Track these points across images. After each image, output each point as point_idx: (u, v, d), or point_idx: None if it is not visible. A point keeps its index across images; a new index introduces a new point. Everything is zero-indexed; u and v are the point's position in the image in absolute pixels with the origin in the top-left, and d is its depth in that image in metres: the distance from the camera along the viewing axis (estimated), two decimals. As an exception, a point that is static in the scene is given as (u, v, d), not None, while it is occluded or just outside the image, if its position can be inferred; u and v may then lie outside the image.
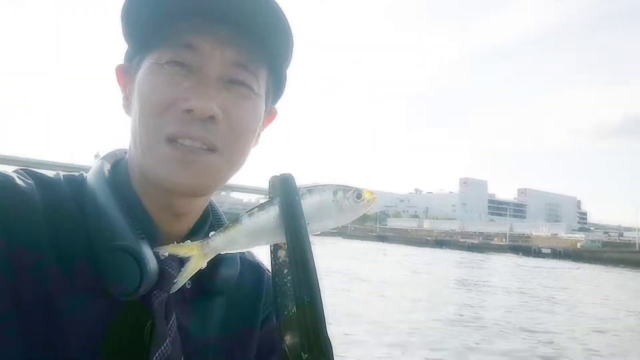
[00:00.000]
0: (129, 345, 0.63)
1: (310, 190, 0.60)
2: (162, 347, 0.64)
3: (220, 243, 0.59)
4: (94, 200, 0.67)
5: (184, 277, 0.59)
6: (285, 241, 0.59)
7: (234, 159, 0.71)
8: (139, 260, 0.61)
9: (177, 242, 0.67)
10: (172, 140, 0.64)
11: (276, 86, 0.78)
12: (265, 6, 0.65)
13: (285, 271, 0.62)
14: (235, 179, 0.78)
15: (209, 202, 0.81)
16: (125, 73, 0.74)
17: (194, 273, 0.59)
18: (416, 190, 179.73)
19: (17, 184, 0.62)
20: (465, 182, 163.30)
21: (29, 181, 0.65)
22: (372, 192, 0.62)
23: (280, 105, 0.85)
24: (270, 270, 0.62)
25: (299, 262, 0.57)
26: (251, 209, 0.59)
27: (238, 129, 0.68)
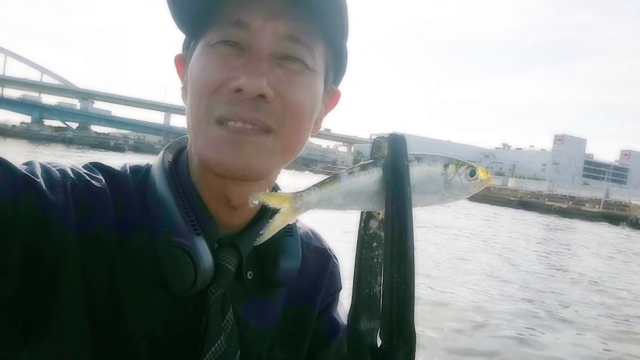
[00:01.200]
0: (185, 340, 0.65)
1: (419, 158, 0.52)
2: (216, 344, 0.65)
3: (313, 198, 0.53)
4: (154, 194, 0.67)
5: (270, 231, 0.55)
6: (381, 210, 0.52)
7: (289, 141, 0.66)
8: (193, 258, 0.61)
9: (234, 234, 0.69)
10: (222, 122, 0.62)
11: (336, 63, 0.72)
12: None
13: (375, 244, 0.55)
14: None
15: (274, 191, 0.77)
16: (183, 62, 0.71)
17: (281, 228, 0.55)
18: (504, 145, 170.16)
19: (90, 183, 0.64)
20: (560, 139, 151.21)
21: (98, 177, 0.66)
22: (487, 172, 0.53)
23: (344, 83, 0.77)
24: (357, 240, 0.56)
25: (396, 236, 0.49)
26: (352, 167, 0.53)
27: (292, 107, 0.63)
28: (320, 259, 0.85)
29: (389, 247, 0.50)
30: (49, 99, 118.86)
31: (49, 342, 0.60)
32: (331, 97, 0.75)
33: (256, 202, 0.53)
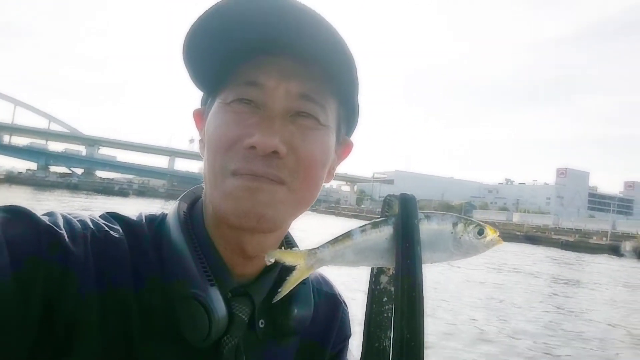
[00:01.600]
0: None
1: (428, 216, 0.54)
2: None
3: (327, 255, 0.55)
4: (169, 244, 0.69)
5: (287, 287, 0.57)
6: (391, 266, 0.54)
7: (302, 193, 0.68)
8: (208, 309, 0.63)
9: (247, 283, 0.71)
10: (236, 175, 0.64)
11: (348, 116, 0.75)
12: (327, 36, 0.62)
13: (385, 299, 0.56)
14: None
15: (287, 239, 0.80)
16: (201, 116, 0.75)
17: (297, 283, 0.57)
18: (507, 180, 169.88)
19: (108, 233, 0.66)
20: (562, 173, 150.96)
21: (116, 227, 0.68)
22: (496, 231, 0.55)
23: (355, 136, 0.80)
24: (367, 295, 0.57)
25: (406, 292, 0.51)
26: (364, 225, 0.55)
27: (305, 161, 0.66)
28: (330, 305, 0.85)
29: (399, 302, 0.51)
30: (55, 146, 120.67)
31: None
32: (344, 147, 0.78)
33: (272, 260, 0.56)
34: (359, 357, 0.57)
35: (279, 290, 0.57)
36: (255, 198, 0.64)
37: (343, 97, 0.71)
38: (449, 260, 0.56)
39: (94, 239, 0.64)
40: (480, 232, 0.54)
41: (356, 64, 0.66)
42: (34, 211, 0.61)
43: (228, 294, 0.67)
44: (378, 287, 0.56)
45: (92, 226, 0.65)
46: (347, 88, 0.70)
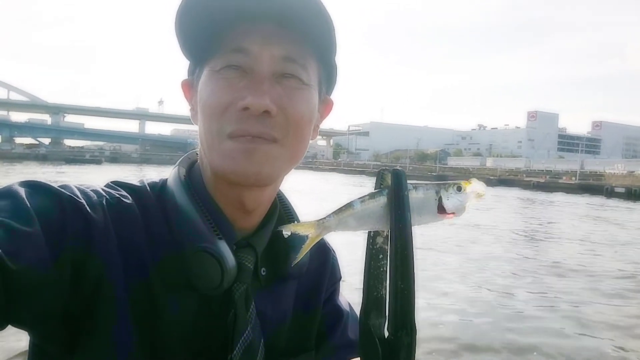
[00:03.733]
0: (216, 333, 0.73)
1: (416, 187, 0.63)
2: (245, 334, 0.73)
3: (332, 223, 0.64)
4: (174, 205, 0.75)
5: (302, 252, 0.66)
6: (386, 229, 0.63)
7: (293, 149, 0.75)
8: (220, 260, 0.70)
9: (249, 235, 0.79)
10: (233, 136, 0.70)
11: (328, 76, 0.82)
12: (305, 1, 0.68)
13: (381, 256, 0.66)
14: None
15: (278, 195, 0.87)
16: (189, 86, 0.80)
17: (308, 249, 0.66)
18: (479, 126, 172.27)
19: (120, 200, 0.72)
20: (533, 116, 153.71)
21: (124, 193, 0.74)
22: (469, 182, 0.64)
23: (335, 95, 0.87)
24: (365, 253, 0.67)
25: (399, 250, 0.60)
26: (363, 196, 0.64)
27: (294, 119, 0.73)
28: (321, 252, 0.94)
29: (393, 259, 0.60)
30: (18, 117, 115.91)
31: (98, 348, 0.66)
32: (325, 106, 0.84)
33: (289, 233, 0.65)
34: (361, 304, 0.67)
35: (297, 256, 0.67)
36: (252, 158, 0.70)
37: (322, 58, 0.77)
38: (433, 222, 0.65)
39: (109, 206, 0.70)
40: (459, 189, 0.63)
41: (334, 26, 0.72)
42: (53, 184, 0.66)
43: (233, 246, 0.74)
44: (375, 246, 0.65)
45: (105, 195, 0.71)
46: (326, 50, 0.75)
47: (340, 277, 0.99)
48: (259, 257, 0.78)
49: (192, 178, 0.79)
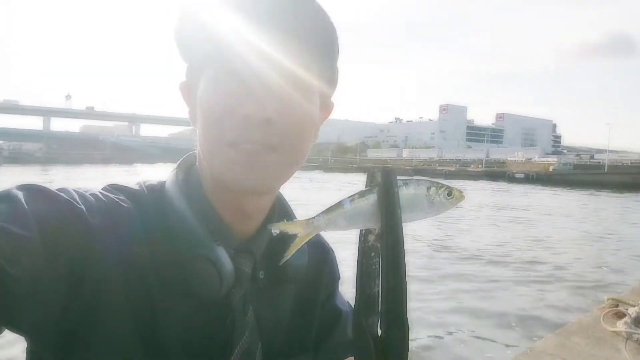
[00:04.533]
0: (215, 338, 0.73)
1: (406, 183, 0.64)
2: (243, 339, 0.73)
3: (322, 223, 0.63)
4: (173, 210, 0.74)
5: (290, 251, 0.65)
6: (377, 227, 0.63)
7: (294, 156, 0.74)
8: (217, 266, 0.70)
9: (247, 239, 0.78)
10: (233, 145, 0.69)
11: (329, 79, 0.81)
12: (306, 8, 0.69)
13: (373, 254, 0.66)
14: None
15: (278, 198, 0.86)
16: (188, 89, 0.78)
17: (298, 248, 0.65)
18: (396, 119, 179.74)
19: (119, 204, 0.70)
20: (444, 109, 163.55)
21: (122, 197, 0.72)
22: (462, 191, 0.66)
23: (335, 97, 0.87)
24: (358, 251, 0.67)
25: (390, 248, 0.61)
26: (352, 195, 0.63)
27: (294, 127, 0.72)
28: (319, 252, 0.93)
29: (384, 256, 0.61)
30: None
31: (96, 355, 0.64)
32: (326, 108, 0.83)
33: (277, 231, 0.64)
34: (354, 303, 0.66)
35: (285, 255, 0.66)
36: (253, 168, 0.69)
37: (324, 64, 0.76)
38: (424, 218, 0.65)
39: (107, 209, 0.67)
40: (449, 194, 0.64)
41: (335, 31, 0.72)
42: (51, 188, 0.63)
43: (231, 251, 0.74)
44: (367, 244, 0.64)
45: (103, 198, 0.69)
46: (327, 55, 0.75)
47: (339, 277, 0.99)
48: (257, 261, 0.78)
49: (190, 182, 0.78)
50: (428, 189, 0.64)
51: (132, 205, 0.72)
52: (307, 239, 0.65)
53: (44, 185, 0.64)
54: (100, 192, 0.71)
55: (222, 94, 0.70)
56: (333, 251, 0.99)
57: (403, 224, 0.62)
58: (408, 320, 0.61)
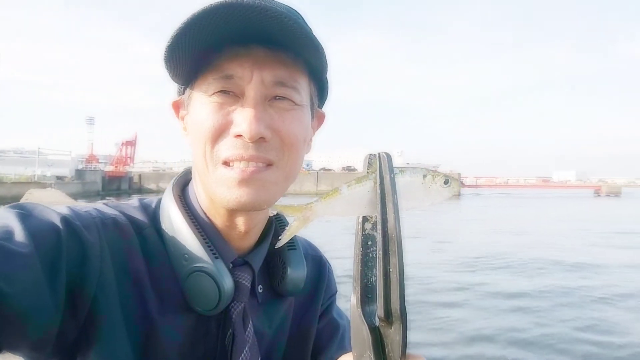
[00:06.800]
0: (214, 353, 0.73)
1: (402, 170, 0.63)
2: (243, 354, 0.73)
3: (320, 208, 0.63)
4: (170, 226, 0.74)
5: (287, 235, 0.65)
6: (374, 214, 0.63)
7: (289, 169, 0.75)
8: (216, 280, 0.70)
9: (245, 254, 0.78)
10: (227, 163, 0.70)
11: (320, 92, 0.82)
12: (293, 24, 0.68)
13: (370, 243, 0.66)
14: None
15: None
16: (180, 107, 0.79)
17: (296, 232, 0.65)
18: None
19: (116, 220, 0.71)
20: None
21: (118, 214, 0.73)
22: (458, 180, 0.65)
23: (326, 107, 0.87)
24: (355, 240, 0.66)
25: (387, 235, 0.60)
26: (349, 181, 0.63)
27: (288, 141, 0.73)
28: (317, 266, 0.95)
29: (381, 244, 0.60)
30: None
31: None
32: (318, 119, 0.84)
33: (275, 212, 0.65)
34: (352, 293, 0.65)
35: (280, 238, 0.65)
36: (248, 186, 0.69)
37: (314, 76, 0.77)
38: (421, 206, 0.64)
39: (104, 226, 0.68)
40: (446, 182, 0.63)
41: (322, 46, 0.72)
42: (49, 207, 0.64)
43: (230, 265, 0.74)
44: (364, 233, 0.64)
45: (99, 215, 0.69)
46: (316, 68, 0.76)
47: (336, 291, 1.00)
48: (256, 275, 0.78)
49: (186, 198, 0.79)
50: (424, 176, 0.63)
51: (128, 221, 0.73)
52: (306, 223, 0.64)
53: (39, 203, 0.65)
54: (96, 209, 0.71)
55: (214, 111, 0.70)
56: (330, 265, 1.00)
57: (400, 211, 0.61)
58: (406, 310, 0.60)
